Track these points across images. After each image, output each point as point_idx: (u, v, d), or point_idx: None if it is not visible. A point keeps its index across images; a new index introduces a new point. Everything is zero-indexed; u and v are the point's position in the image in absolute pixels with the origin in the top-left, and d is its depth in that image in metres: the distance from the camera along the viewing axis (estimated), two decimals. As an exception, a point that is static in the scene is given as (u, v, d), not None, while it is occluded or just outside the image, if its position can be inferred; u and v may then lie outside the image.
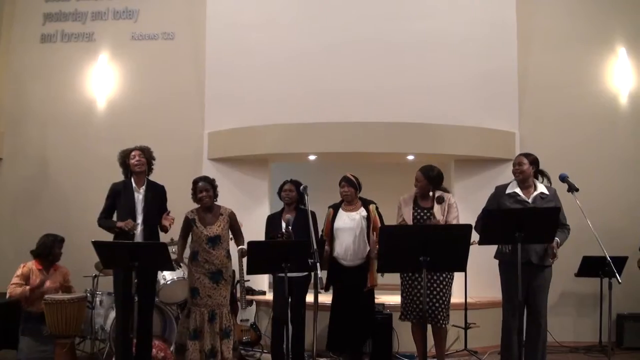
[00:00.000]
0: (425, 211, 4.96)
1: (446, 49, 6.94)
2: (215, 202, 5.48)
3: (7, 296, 5.54)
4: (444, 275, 4.89)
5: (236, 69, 7.14)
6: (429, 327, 4.82)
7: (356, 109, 6.73)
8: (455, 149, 6.61)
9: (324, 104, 6.85)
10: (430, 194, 4.93)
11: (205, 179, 5.50)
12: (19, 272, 5.65)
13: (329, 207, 5.55)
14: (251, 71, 7.09)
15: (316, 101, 6.87)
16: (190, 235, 5.47)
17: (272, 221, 5.61)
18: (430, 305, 4.81)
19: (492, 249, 4.83)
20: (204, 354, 5.31)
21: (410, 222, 4.94)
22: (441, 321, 4.86)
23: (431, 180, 4.97)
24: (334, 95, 6.88)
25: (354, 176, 5.46)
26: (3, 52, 7.65)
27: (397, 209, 5.14)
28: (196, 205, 5.45)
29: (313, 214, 5.14)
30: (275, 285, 5.52)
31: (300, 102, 6.91)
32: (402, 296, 5.02)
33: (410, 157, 6.98)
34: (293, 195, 5.51)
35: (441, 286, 4.86)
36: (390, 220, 5.25)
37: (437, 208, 4.87)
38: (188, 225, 5.44)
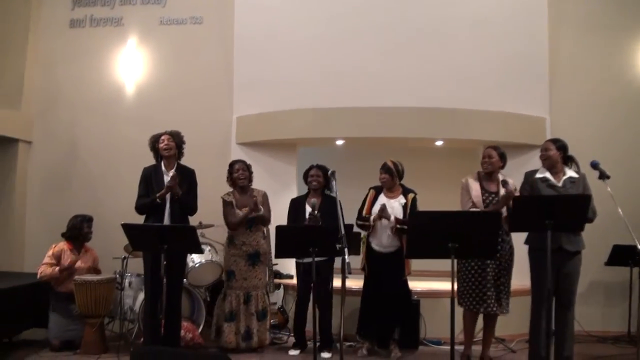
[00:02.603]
0: (493, 195, 4.90)
1: (476, 32, 6.85)
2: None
3: (38, 276, 5.64)
4: (509, 262, 4.87)
5: (265, 53, 7.12)
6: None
7: (385, 94, 6.68)
8: (484, 135, 6.51)
9: (353, 88, 6.79)
10: (500, 177, 4.92)
11: (242, 161, 5.70)
12: (50, 252, 5.75)
13: (371, 188, 5.53)
14: (280, 55, 7.07)
15: (345, 86, 6.83)
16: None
17: (296, 205, 5.64)
18: (495, 293, 4.79)
19: (522, 235, 4.78)
20: (239, 335, 5.41)
21: (481, 205, 4.86)
22: (506, 309, 4.86)
23: (503, 159, 4.96)
24: (362, 79, 6.82)
25: (394, 163, 5.40)
26: (33, 38, 7.72)
27: (463, 192, 5.05)
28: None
29: (334, 199, 5.20)
30: (298, 269, 5.58)
31: (328, 86, 6.87)
32: (461, 283, 4.94)
33: (439, 143, 6.93)
34: (320, 181, 5.54)
35: (508, 273, 4.87)
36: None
37: (503, 191, 4.83)
38: (229, 207, 5.53)
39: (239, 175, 5.61)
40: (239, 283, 5.50)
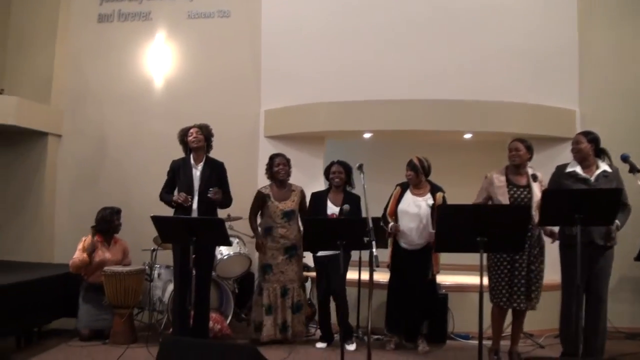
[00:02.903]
0: (522, 189, 4.81)
1: (505, 22, 6.76)
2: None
3: (70, 269, 5.72)
4: (540, 256, 4.79)
5: (292, 45, 7.13)
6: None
7: (414, 86, 6.63)
8: (513, 127, 6.40)
9: (380, 81, 6.75)
10: (529, 170, 4.85)
11: (283, 155, 5.72)
12: (80, 245, 5.82)
13: (397, 185, 5.50)
14: (307, 48, 7.07)
15: (372, 78, 6.79)
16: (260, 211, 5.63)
17: (317, 200, 5.62)
18: (526, 288, 4.73)
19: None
20: (277, 327, 5.45)
21: (507, 201, 4.76)
22: (535, 304, 4.80)
23: (530, 151, 4.88)
24: (391, 72, 6.78)
25: (420, 159, 5.34)
26: (61, 33, 7.81)
27: (482, 187, 4.99)
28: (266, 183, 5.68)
29: (359, 196, 5.29)
30: (316, 263, 5.58)
31: (356, 79, 6.84)
32: (491, 279, 4.85)
33: (468, 136, 6.86)
34: (342, 177, 5.54)
35: (540, 268, 4.78)
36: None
37: (535, 185, 4.77)
38: (261, 201, 5.56)
39: (279, 170, 5.62)
40: (276, 277, 5.54)
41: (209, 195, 5.09)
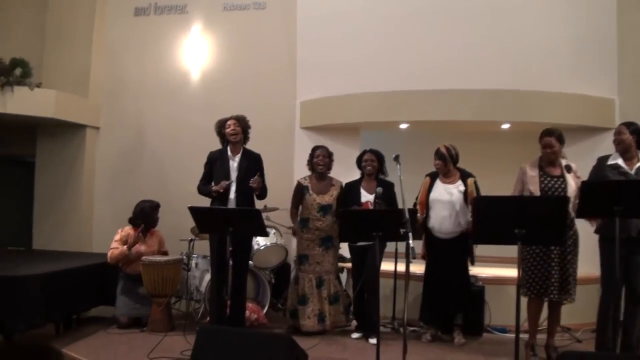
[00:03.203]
0: (555, 180, 4.73)
1: (543, 11, 6.62)
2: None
3: (109, 260, 5.82)
4: (573, 247, 4.72)
5: (327, 37, 7.11)
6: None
7: (449, 76, 6.54)
8: (551, 117, 6.26)
9: (416, 71, 6.68)
10: (563, 161, 4.78)
11: (324, 147, 5.72)
12: (117, 237, 5.92)
13: (426, 175, 5.47)
14: (342, 39, 7.03)
15: (408, 68, 6.72)
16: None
17: (351, 189, 5.60)
18: (560, 280, 4.66)
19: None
20: (314, 318, 5.48)
21: (537, 192, 4.70)
22: (571, 296, 4.72)
23: (562, 141, 4.81)
24: (425, 62, 6.70)
25: (447, 148, 5.29)
26: (98, 26, 7.95)
27: (517, 179, 4.91)
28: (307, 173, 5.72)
29: (392, 184, 5.32)
30: (351, 254, 5.59)
31: (391, 69, 6.78)
32: (524, 270, 4.77)
33: (505, 126, 6.76)
34: (375, 165, 5.52)
35: (574, 260, 4.71)
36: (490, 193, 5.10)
37: (569, 177, 4.69)
38: (300, 192, 5.58)
39: (318, 162, 5.62)
40: (312, 267, 5.55)
41: (250, 183, 5.10)
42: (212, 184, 5.25)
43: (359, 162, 5.66)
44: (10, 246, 7.15)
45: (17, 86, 6.77)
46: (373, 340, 5.27)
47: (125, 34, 7.94)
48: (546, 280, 4.70)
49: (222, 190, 5.13)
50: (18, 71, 6.88)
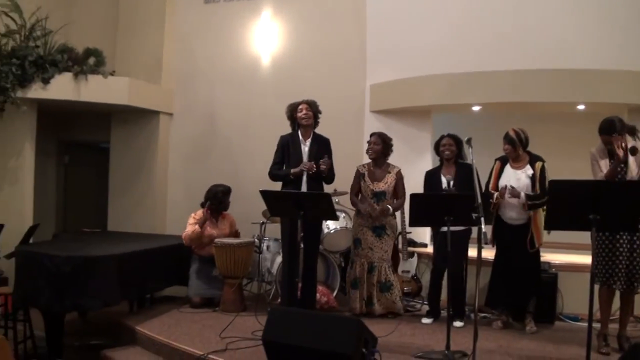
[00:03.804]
0: (622, 166, 4.52)
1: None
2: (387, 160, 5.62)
3: (184, 241, 5.98)
4: None
5: (397, 19, 7.02)
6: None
7: (522, 56, 6.32)
8: (629, 97, 5.97)
9: (488, 51, 6.49)
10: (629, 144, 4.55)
11: (377, 134, 5.64)
12: (191, 220, 6.06)
13: (496, 160, 5.34)
14: (413, 20, 6.93)
15: (479, 49, 6.54)
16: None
17: (431, 178, 5.54)
18: (627, 270, 4.47)
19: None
20: (363, 302, 5.50)
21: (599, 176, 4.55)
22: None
23: (623, 126, 4.57)
24: (498, 41, 6.50)
25: (516, 131, 5.13)
26: (170, 14, 8.11)
27: (593, 162, 4.73)
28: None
29: (471, 167, 5.05)
30: (435, 238, 5.51)
31: (463, 50, 6.62)
32: (595, 258, 4.53)
33: (581, 107, 6.51)
34: (453, 150, 5.43)
35: None
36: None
37: (631, 160, 4.50)
38: (357, 179, 5.62)
39: (368, 149, 5.62)
40: (365, 252, 5.55)
41: (320, 164, 5.15)
42: (284, 167, 5.33)
43: (437, 147, 5.58)
44: (86, 228, 7.44)
45: (91, 75, 6.98)
46: (458, 324, 5.27)
47: (196, 21, 8.06)
48: (612, 269, 4.54)
49: (305, 169, 5.18)
50: (92, 60, 7.10)
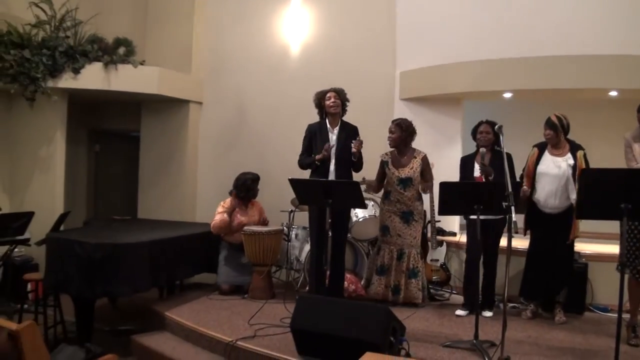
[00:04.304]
0: None
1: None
2: (412, 146, 5.60)
3: (212, 229, 6.05)
4: None
5: (427, 6, 6.97)
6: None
7: (555, 42, 6.17)
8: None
9: (518, 38, 6.37)
10: None
11: (395, 121, 5.61)
12: (220, 209, 6.13)
13: (534, 146, 5.26)
14: (443, 7, 6.87)
15: (510, 36, 6.43)
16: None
17: (466, 164, 5.48)
18: None
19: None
20: (389, 289, 5.50)
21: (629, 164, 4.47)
22: None
23: None
24: (529, 28, 6.38)
25: (558, 117, 5.03)
26: (199, 3, 8.12)
27: (626, 149, 4.64)
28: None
29: (509, 155, 4.97)
30: (469, 227, 5.46)
31: (494, 37, 6.51)
32: (625, 247, 4.47)
33: (613, 93, 6.38)
34: (490, 138, 5.33)
35: None
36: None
37: None
38: (382, 168, 5.61)
39: (388, 137, 5.59)
40: (394, 239, 5.54)
41: (352, 144, 5.14)
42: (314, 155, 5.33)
43: (474, 133, 5.48)
44: (116, 216, 7.56)
45: (121, 64, 7.03)
46: (487, 313, 5.25)
47: (225, 10, 8.06)
48: (637, 259, 4.46)
49: (327, 154, 5.20)
50: (122, 50, 7.15)
